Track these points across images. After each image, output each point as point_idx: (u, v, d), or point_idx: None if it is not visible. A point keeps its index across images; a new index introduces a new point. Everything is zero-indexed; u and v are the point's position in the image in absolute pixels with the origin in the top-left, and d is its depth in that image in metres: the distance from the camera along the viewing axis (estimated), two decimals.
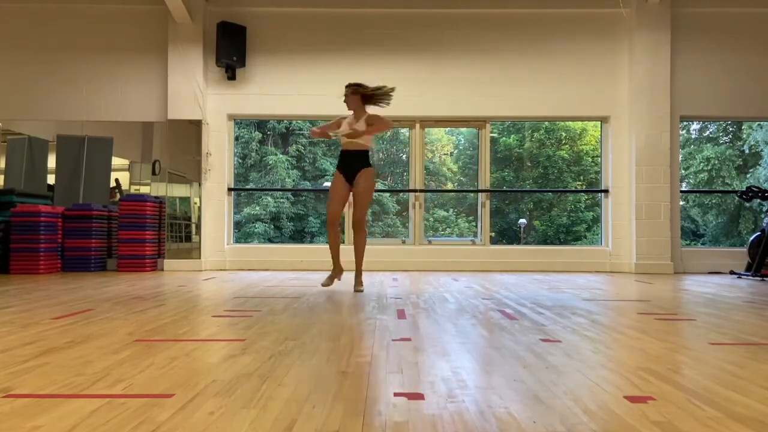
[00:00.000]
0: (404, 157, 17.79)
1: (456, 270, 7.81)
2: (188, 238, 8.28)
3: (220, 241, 7.97)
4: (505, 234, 18.92)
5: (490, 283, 5.96)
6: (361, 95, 5.11)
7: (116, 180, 9.49)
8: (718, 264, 7.92)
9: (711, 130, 19.24)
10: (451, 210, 18.86)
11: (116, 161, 9.22)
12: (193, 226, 8.20)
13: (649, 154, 7.81)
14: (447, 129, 18.70)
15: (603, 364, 2.27)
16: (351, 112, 5.19)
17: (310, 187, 18.80)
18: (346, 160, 5.11)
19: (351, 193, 5.09)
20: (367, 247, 5.17)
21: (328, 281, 5.14)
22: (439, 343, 2.67)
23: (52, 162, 8.79)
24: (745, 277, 7.01)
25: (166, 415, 1.59)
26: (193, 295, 4.70)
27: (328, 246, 5.21)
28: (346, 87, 5.18)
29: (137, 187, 9.90)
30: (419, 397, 1.79)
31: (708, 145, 18.94)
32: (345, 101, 5.16)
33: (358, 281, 5.08)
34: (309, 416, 1.59)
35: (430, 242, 8.29)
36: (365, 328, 3.07)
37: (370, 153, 5.18)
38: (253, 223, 16.99)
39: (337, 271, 5.19)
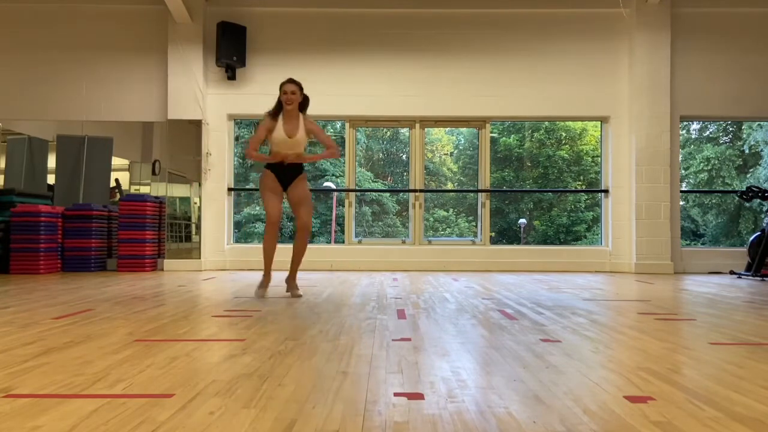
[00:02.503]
0: (404, 157, 17.79)
1: (456, 270, 7.80)
2: (188, 238, 8.28)
3: (220, 241, 7.97)
4: (505, 234, 18.90)
5: (490, 283, 5.96)
6: (303, 99, 4.42)
7: (116, 180, 9.50)
8: (718, 264, 7.92)
9: (711, 130, 19.22)
10: (451, 210, 18.85)
11: (116, 161, 9.23)
12: (193, 226, 8.20)
13: (649, 154, 7.81)
14: (447, 129, 18.69)
15: (603, 364, 2.27)
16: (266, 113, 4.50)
17: (310, 187, 18.76)
18: (281, 171, 4.58)
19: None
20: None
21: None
22: (439, 343, 2.67)
23: (52, 162, 8.79)
24: (745, 277, 7.00)
25: (166, 415, 1.59)
26: (193, 295, 4.70)
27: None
28: (292, 82, 4.39)
29: (137, 187, 9.92)
30: (419, 397, 1.79)
31: (708, 145, 18.92)
32: (286, 99, 4.34)
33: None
34: (309, 416, 1.59)
35: (430, 242, 8.29)
36: (365, 328, 3.07)
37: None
38: (253, 223, 16.99)
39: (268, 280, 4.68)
